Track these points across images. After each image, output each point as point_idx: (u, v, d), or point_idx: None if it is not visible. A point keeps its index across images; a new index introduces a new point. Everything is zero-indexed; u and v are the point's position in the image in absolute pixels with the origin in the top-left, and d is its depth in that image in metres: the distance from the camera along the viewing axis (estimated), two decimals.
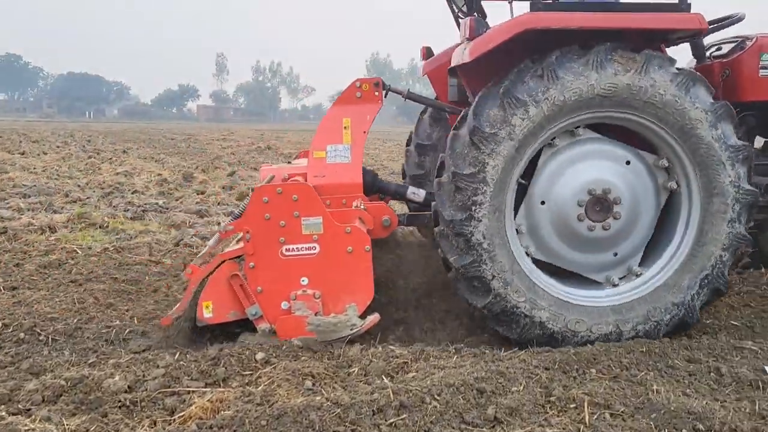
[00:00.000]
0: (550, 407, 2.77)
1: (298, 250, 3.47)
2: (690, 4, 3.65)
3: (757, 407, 2.77)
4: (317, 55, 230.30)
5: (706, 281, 3.69)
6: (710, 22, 3.88)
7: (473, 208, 3.48)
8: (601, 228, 3.68)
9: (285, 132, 40.58)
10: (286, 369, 3.15)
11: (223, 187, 10.69)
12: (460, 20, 4.59)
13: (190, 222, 7.55)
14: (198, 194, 10.08)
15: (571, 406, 2.76)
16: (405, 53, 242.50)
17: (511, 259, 3.59)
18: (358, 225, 3.64)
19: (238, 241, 3.79)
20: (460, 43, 4.10)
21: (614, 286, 3.82)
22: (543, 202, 3.72)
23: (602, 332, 3.65)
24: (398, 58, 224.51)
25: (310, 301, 3.46)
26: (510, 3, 4.58)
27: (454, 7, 4.32)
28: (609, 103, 3.49)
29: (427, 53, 5.06)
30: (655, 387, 2.92)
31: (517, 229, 3.73)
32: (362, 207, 3.89)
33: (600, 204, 3.66)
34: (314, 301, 3.46)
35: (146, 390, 2.95)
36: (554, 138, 3.66)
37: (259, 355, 3.30)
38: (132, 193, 9.86)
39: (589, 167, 3.68)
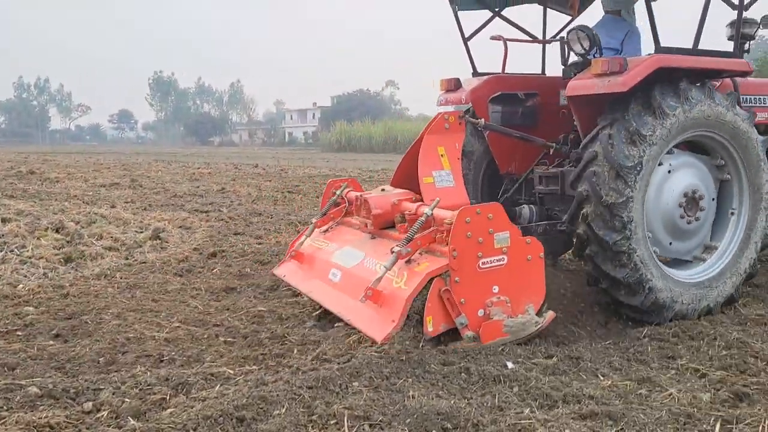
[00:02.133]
0: (311, 426, 2.77)
1: (491, 262, 3.88)
2: (742, 53, 4.92)
3: (497, 400, 3.04)
4: (92, 72, 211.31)
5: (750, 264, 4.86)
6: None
7: (628, 227, 4.26)
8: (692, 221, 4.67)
9: (54, 155, 36.57)
10: (18, 422, 2.76)
11: None
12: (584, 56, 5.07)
13: None
14: None
15: (332, 422, 2.79)
16: (190, 73, 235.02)
17: (658, 267, 4.45)
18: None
19: None
20: (576, 76, 4.71)
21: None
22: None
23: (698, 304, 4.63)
24: (183, 77, 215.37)
25: (503, 306, 3.88)
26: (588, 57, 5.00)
27: (578, 47, 4.88)
28: (699, 125, 4.50)
29: (456, 84, 5.72)
30: (411, 393, 3.07)
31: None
32: None
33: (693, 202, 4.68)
34: (507, 306, 3.89)
35: None
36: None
37: None
38: None
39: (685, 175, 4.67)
